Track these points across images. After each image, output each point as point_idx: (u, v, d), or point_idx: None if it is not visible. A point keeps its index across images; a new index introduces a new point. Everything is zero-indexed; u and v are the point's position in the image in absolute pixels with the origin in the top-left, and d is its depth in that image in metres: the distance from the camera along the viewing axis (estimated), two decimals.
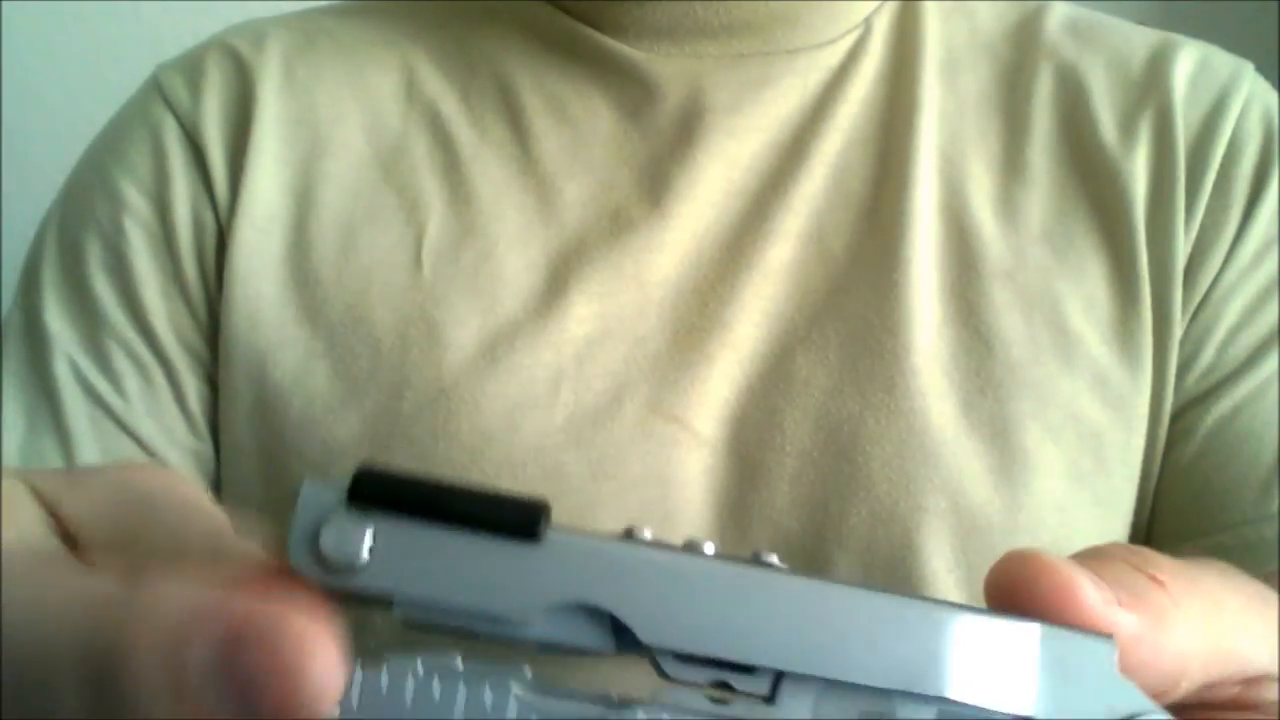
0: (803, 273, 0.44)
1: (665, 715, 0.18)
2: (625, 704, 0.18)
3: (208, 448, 0.46)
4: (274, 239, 0.45)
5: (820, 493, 0.41)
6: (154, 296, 0.45)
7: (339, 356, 0.43)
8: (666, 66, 0.46)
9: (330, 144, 0.46)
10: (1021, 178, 0.45)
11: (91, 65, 1.05)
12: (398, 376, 0.43)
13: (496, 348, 0.42)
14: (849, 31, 0.47)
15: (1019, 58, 0.47)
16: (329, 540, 0.18)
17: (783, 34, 0.46)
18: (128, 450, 0.45)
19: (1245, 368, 0.44)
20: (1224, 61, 0.47)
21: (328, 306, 0.44)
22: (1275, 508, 0.42)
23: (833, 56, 0.46)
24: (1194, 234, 0.44)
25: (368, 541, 0.18)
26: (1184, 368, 0.44)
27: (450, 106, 0.47)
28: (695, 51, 0.46)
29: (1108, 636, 0.20)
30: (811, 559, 0.41)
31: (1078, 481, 0.42)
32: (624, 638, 0.19)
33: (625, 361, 0.43)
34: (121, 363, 0.45)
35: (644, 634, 0.18)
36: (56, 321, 0.45)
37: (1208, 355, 0.44)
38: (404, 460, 0.42)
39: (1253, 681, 0.23)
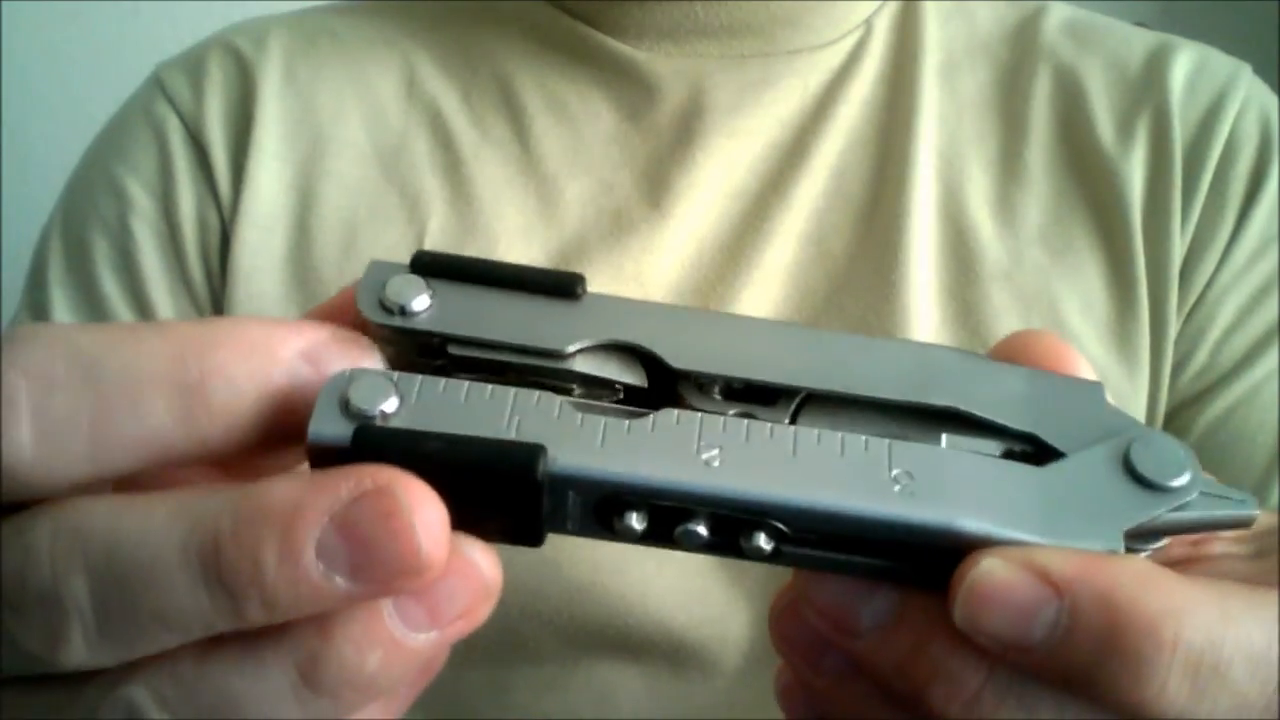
0: (802, 273, 0.44)
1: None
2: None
3: None
4: (276, 237, 0.45)
5: None
6: (162, 295, 0.45)
7: None
8: (667, 67, 0.46)
9: (332, 142, 0.46)
10: (1019, 179, 0.45)
11: (91, 65, 1.05)
12: None
13: None
14: (849, 32, 0.47)
15: (1017, 59, 0.47)
16: (392, 290, 0.20)
17: (783, 35, 0.46)
18: None
19: (1239, 369, 0.44)
20: (1222, 63, 0.47)
21: None
22: (1268, 508, 0.42)
23: (833, 57, 0.46)
24: (1189, 234, 0.44)
25: (426, 293, 0.20)
26: (1178, 368, 0.44)
27: (451, 106, 0.47)
28: (696, 52, 0.46)
29: (1096, 382, 0.21)
30: None
31: None
32: (655, 375, 0.21)
33: None
34: None
35: (674, 361, 0.20)
36: (65, 320, 0.46)
37: (1201, 356, 0.44)
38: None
39: (1201, 541, 0.23)
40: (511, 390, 0.19)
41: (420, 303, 0.20)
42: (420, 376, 0.19)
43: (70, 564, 0.18)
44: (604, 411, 0.20)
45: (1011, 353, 0.22)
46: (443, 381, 0.19)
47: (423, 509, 0.17)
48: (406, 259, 0.47)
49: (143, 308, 0.45)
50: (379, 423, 0.19)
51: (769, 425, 0.19)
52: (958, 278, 0.44)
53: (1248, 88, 0.46)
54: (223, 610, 0.17)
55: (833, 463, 0.19)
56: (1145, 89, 0.46)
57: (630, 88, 0.46)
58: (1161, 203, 0.44)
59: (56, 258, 0.47)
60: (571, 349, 0.20)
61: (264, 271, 0.45)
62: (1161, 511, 0.20)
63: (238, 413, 0.18)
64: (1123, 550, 0.19)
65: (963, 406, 0.21)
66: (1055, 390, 0.21)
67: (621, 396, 0.21)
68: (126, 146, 0.47)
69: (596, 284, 0.44)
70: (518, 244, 0.44)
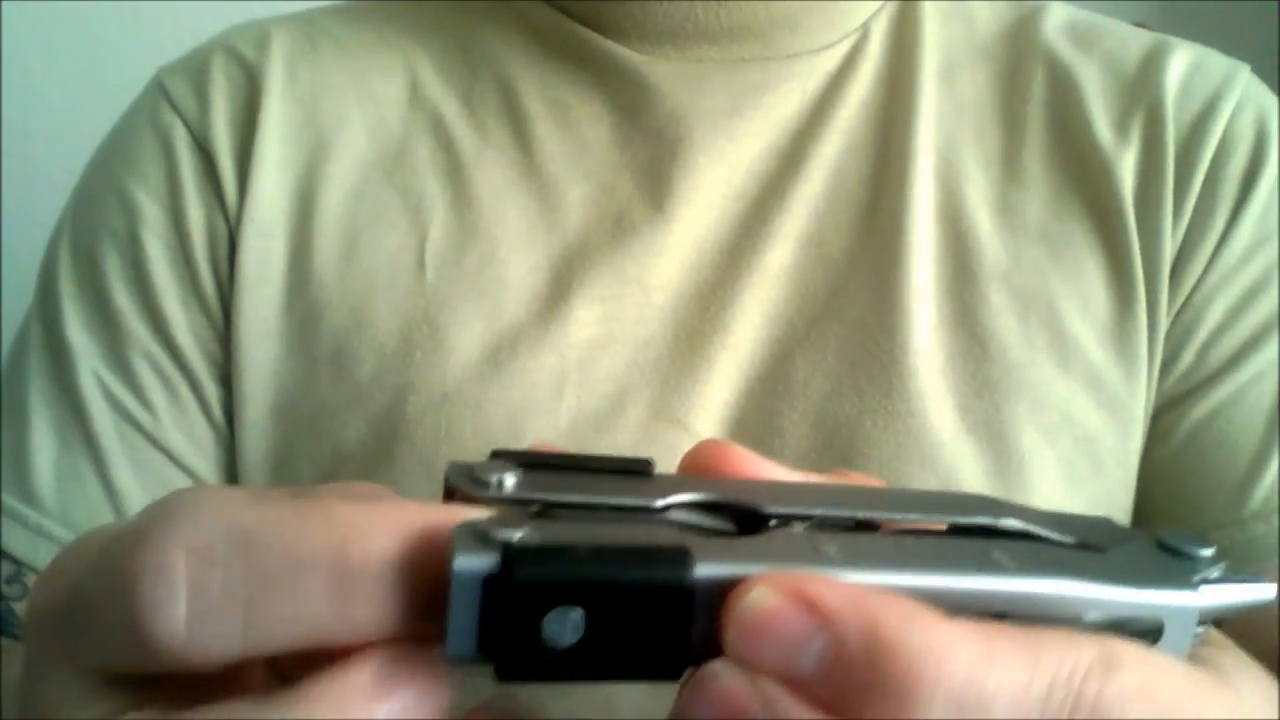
0: (802, 275, 0.44)
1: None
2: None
3: (232, 454, 0.46)
4: (277, 243, 0.45)
5: None
6: (174, 307, 0.45)
7: (343, 360, 0.43)
8: (666, 70, 0.46)
9: (333, 147, 0.46)
10: (1018, 179, 0.45)
11: (91, 65, 1.05)
12: (401, 380, 0.43)
13: (500, 351, 0.43)
14: (847, 36, 0.47)
15: (1016, 60, 0.47)
16: (481, 470, 0.21)
17: (782, 38, 0.46)
18: (159, 465, 0.45)
19: (1224, 371, 0.44)
20: (1218, 63, 0.47)
21: (332, 310, 0.44)
22: (1248, 512, 0.42)
23: (831, 61, 0.46)
24: (1180, 234, 0.44)
25: (513, 471, 0.21)
26: (1164, 368, 0.44)
27: (452, 110, 0.47)
28: (695, 55, 0.46)
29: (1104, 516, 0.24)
30: None
31: (1073, 483, 0.42)
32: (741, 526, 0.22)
33: (628, 365, 0.43)
34: (147, 376, 0.45)
35: (767, 507, 0.22)
36: (78, 335, 0.45)
37: (1188, 357, 0.44)
38: (407, 464, 0.42)
39: None
40: (632, 522, 0.21)
41: (511, 478, 0.21)
42: (542, 519, 0.20)
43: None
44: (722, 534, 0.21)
45: (700, 461, 0.23)
46: (566, 520, 0.21)
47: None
48: (409, 262, 0.47)
49: (156, 320, 0.45)
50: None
51: (872, 535, 0.21)
52: (956, 278, 0.44)
53: (1244, 88, 0.46)
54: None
55: (943, 549, 0.21)
56: (1140, 88, 0.46)
57: (630, 90, 0.46)
58: (1153, 201, 0.44)
59: (67, 270, 0.47)
60: (661, 504, 0.22)
61: (268, 279, 0.45)
62: (1200, 575, 0.22)
63: (392, 598, 0.19)
64: (1201, 598, 0.21)
65: (1009, 524, 0.22)
66: (1074, 518, 0.23)
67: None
68: (133, 156, 0.47)
69: (598, 287, 0.44)
70: (519, 248, 0.44)
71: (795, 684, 0.18)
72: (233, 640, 0.18)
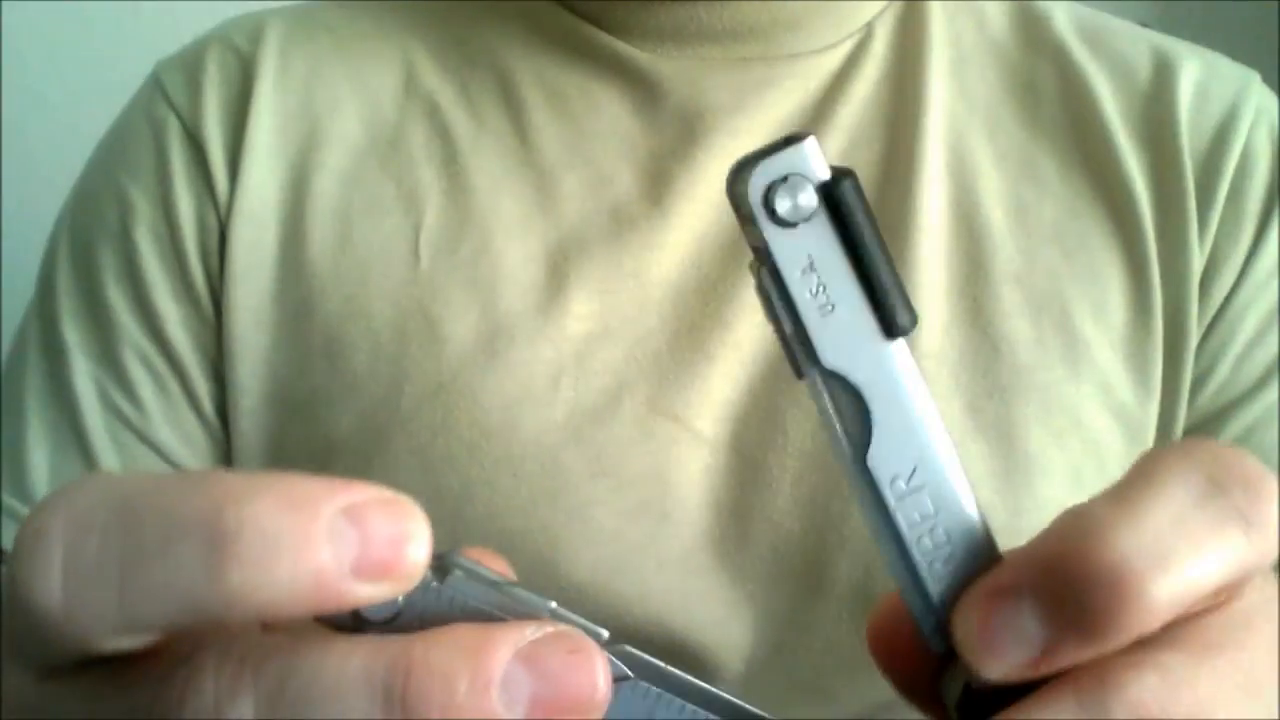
0: None
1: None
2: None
3: (224, 448, 0.46)
4: (269, 233, 0.45)
5: (822, 494, 0.41)
6: (165, 301, 0.45)
7: (337, 350, 0.43)
8: (669, 66, 0.45)
9: (326, 135, 0.46)
10: (1033, 178, 0.45)
11: (91, 65, 1.05)
12: (396, 370, 0.43)
13: (496, 342, 0.42)
14: (850, 35, 0.47)
15: (1028, 57, 0.47)
16: (784, 193, 0.20)
17: (784, 38, 0.46)
18: (149, 461, 0.45)
19: (1260, 386, 0.44)
20: (1230, 72, 0.47)
21: (325, 300, 0.44)
22: None
23: (834, 60, 0.46)
24: (1208, 246, 0.44)
25: (804, 216, 0.20)
26: (1198, 384, 0.44)
27: (448, 98, 0.46)
28: (698, 54, 0.46)
29: None
30: (812, 561, 0.41)
31: (1079, 487, 0.42)
32: (853, 448, 0.21)
33: (625, 359, 0.42)
34: (137, 372, 0.45)
35: (870, 459, 0.21)
36: (73, 332, 0.45)
37: (1223, 371, 0.44)
38: (402, 455, 0.42)
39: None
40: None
41: (795, 214, 0.20)
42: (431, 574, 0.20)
43: (237, 687, 0.18)
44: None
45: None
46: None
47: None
48: (404, 250, 0.46)
49: (147, 315, 0.45)
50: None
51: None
52: (968, 277, 0.43)
53: (1258, 99, 0.46)
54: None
55: None
56: (1153, 97, 0.46)
57: (632, 85, 0.46)
58: (1174, 213, 0.44)
59: (64, 266, 0.47)
60: (830, 365, 0.21)
61: (260, 269, 0.44)
62: None
63: (270, 570, 0.17)
64: None
65: None
66: None
67: None
68: (128, 150, 0.47)
69: (595, 280, 0.44)
70: (515, 236, 0.44)
71: None
72: (109, 609, 0.18)
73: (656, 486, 0.41)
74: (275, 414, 0.44)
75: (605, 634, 0.21)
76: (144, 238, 0.45)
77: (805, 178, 0.20)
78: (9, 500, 0.44)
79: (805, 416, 0.42)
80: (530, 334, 0.42)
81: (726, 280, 0.43)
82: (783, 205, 0.20)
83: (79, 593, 0.18)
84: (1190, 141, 0.45)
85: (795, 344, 0.21)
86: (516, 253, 0.44)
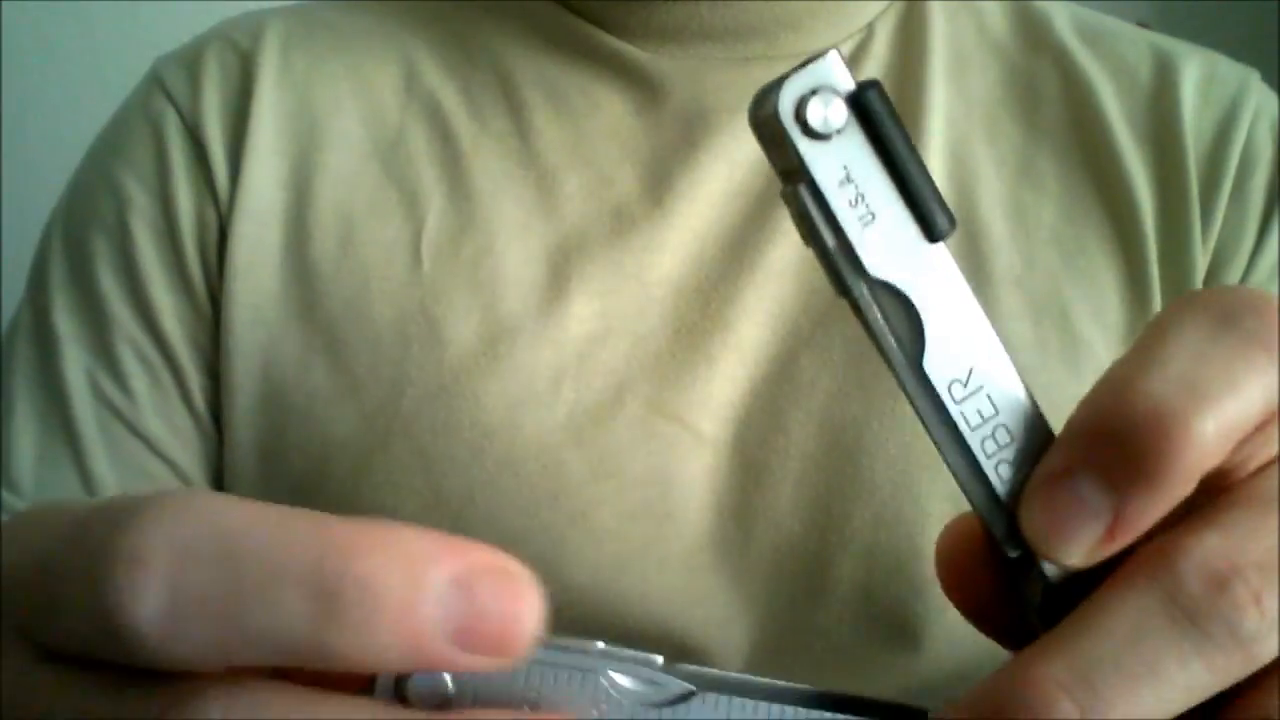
0: (807, 272, 0.44)
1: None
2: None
3: (214, 444, 0.46)
4: (272, 232, 0.45)
5: (823, 495, 0.41)
6: (160, 294, 0.45)
7: (338, 351, 0.43)
8: (670, 66, 0.45)
9: (328, 135, 0.46)
10: (1032, 181, 0.45)
11: (91, 65, 1.05)
12: (398, 372, 0.42)
13: (497, 344, 0.42)
14: (851, 36, 0.47)
15: (1028, 58, 0.47)
16: (816, 104, 0.20)
17: (786, 38, 0.46)
18: (138, 453, 0.45)
19: None
20: (1231, 72, 0.47)
21: (327, 300, 0.44)
22: None
23: None
24: (1211, 245, 0.44)
25: (836, 126, 0.20)
26: None
27: (450, 99, 0.46)
28: (699, 54, 0.46)
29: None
30: (814, 562, 0.41)
31: None
32: (906, 355, 0.21)
33: (627, 360, 0.42)
34: (130, 363, 0.45)
35: (927, 363, 0.21)
36: (65, 322, 0.45)
37: None
38: (403, 456, 0.42)
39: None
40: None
41: (827, 125, 0.20)
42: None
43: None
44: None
45: None
46: None
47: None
48: (405, 252, 0.47)
49: (142, 306, 0.45)
50: None
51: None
52: (968, 279, 0.43)
53: (1258, 97, 0.46)
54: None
55: None
56: (1156, 98, 0.46)
57: (633, 85, 0.46)
58: (1177, 213, 0.44)
59: (58, 258, 0.47)
60: (878, 276, 0.21)
61: (261, 267, 0.44)
62: None
63: (371, 631, 0.17)
64: None
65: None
66: None
67: None
68: (126, 144, 0.47)
69: (596, 281, 0.44)
70: (516, 238, 0.44)
71: None
72: (206, 643, 0.17)
73: (658, 487, 0.41)
74: (271, 413, 0.44)
75: (659, 659, 0.21)
76: (141, 230, 0.45)
77: (833, 89, 0.20)
78: None
79: (807, 418, 0.42)
80: (532, 335, 0.42)
81: (728, 281, 0.43)
82: (815, 118, 0.20)
83: (180, 625, 0.17)
84: (1193, 140, 0.45)
85: (840, 258, 0.21)
86: (518, 254, 0.44)
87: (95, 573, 0.18)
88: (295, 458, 0.43)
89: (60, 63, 1.07)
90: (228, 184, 0.45)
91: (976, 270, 0.43)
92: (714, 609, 0.41)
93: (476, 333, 0.43)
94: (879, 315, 0.21)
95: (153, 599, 0.17)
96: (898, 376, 0.21)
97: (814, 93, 0.20)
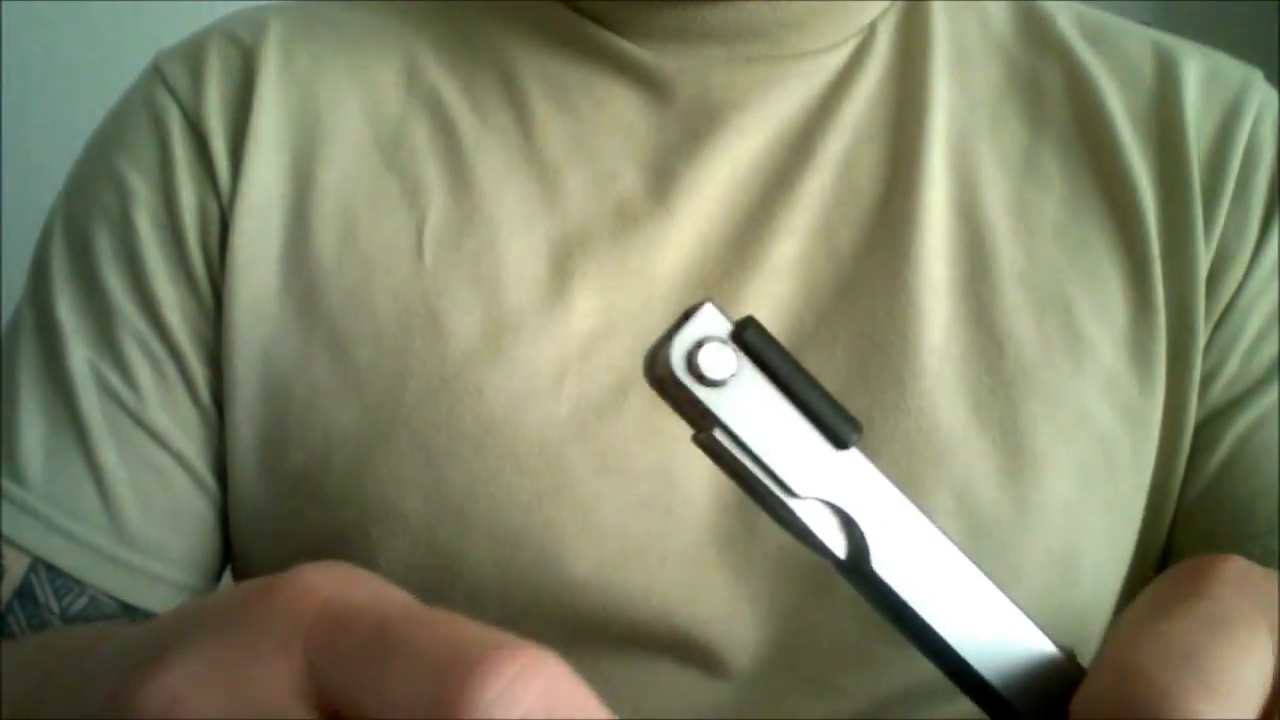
0: (810, 269, 0.44)
1: None
2: None
3: (219, 435, 0.46)
4: (273, 225, 0.45)
5: None
6: (164, 286, 0.45)
7: (340, 344, 0.43)
8: (673, 64, 0.45)
9: (330, 129, 0.46)
10: (1036, 177, 0.45)
11: (91, 65, 1.05)
12: (400, 365, 0.42)
13: (500, 338, 0.42)
14: (853, 35, 0.47)
15: (1031, 56, 0.47)
16: (706, 354, 0.21)
17: (789, 38, 0.46)
18: (144, 444, 0.44)
19: (1270, 377, 0.44)
20: (1233, 70, 0.47)
21: (328, 294, 0.44)
22: None
23: (838, 58, 0.46)
24: (1215, 243, 0.44)
25: (729, 371, 0.22)
26: (1209, 377, 0.44)
27: (452, 94, 0.46)
28: (703, 54, 0.46)
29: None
30: (818, 560, 0.41)
31: (1087, 484, 0.42)
32: (854, 561, 0.23)
33: (630, 355, 0.42)
34: (134, 355, 0.45)
35: (875, 563, 0.22)
36: (69, 315, 0.45)
37: (1232, 364, 0.44)
38: (406, 450, 0.42)
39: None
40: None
41: (721, 372, 0.22)
42: None
43: None
44: None
45: None
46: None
47: None
48: (407, 246, 0.47)
49: (145, 299, 0.45)
50: None
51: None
52: (971, 275, 0.43)
53: (1261, 95, 0.46)
54: None
55: None
56: (1158, 95, 0.46)
57: (637, 83, 0.46)
58: (1180, 211, 0.44)
59: (59, 251, 0.47)
60: (806, 494, 0.22)
61: (262, 261, 0.44)
62: None
63: None
64: None
65: None
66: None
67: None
68: (127, 137, 0.47)
69: (599, 278, 0.44)
70: (519, 232, 0.44)
71: None
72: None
73: (661, 483, 0.41)
74: (273, 406, 0.44)
75: None
76: (144, 223, 0.45)
77: (717, 337, 0.22)
78: (4, 483, 0.44)
79: None
80: (535, 330, 0.42)
81: (731, 277, 0.43)
82: (709, 368, 0.21)
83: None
84: (1195, 138, 0.45)
85: (767, 485, 0.22)
86: (521, 249, 0.44)
87: None
88: (297, 451, 0.43)
89: (60, 63, 1.07)
90: (229, 178, 0.45)
91: (980, 266, 0.43)
92: (718, 604, 0.41)
93: (479, 327, 0.42)
94: (818, 528, 0.22)
95: None
96: (853, 584, 0.23)
97: (699, 345, 0.21)
